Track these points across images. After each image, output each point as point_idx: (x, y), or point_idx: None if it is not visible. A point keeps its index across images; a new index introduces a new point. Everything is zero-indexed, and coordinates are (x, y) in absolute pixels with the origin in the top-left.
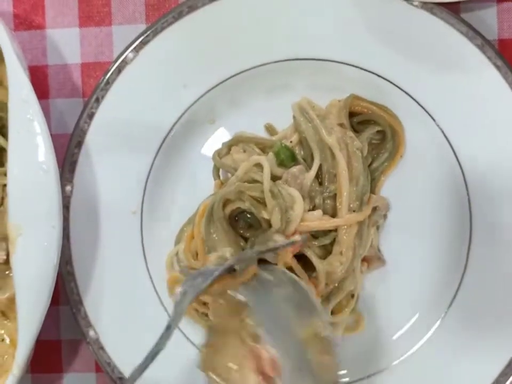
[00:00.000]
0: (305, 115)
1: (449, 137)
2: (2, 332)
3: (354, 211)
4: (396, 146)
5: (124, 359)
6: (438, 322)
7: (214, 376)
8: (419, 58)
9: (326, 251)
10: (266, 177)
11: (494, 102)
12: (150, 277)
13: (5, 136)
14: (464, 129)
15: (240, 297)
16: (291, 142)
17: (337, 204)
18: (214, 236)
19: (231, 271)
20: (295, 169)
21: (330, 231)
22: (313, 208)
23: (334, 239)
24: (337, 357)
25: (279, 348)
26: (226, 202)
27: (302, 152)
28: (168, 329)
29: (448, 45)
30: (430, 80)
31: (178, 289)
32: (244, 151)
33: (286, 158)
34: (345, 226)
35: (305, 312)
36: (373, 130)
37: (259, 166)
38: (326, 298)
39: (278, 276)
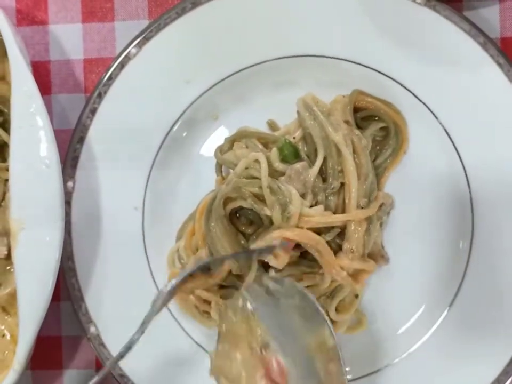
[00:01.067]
0: (310, 111)
1: (451, 135)
2: (3, 327)
3: (362, 208)
4: (400, 142)
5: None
6: (441, 319)
7: (224, 382)
8: (421, 56)
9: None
10: (264, 173)
11: (496, 100)
12: (151, 273)
13: (7, 131)
14: (466, 127)
15: (249, 305)
16: (294, 138)
17: (346, 200)
18: (214, 232)
19: (205, 270)
20: (298, 165)
21: (333, 227)
22: (316, 204)
23: (339, 236)
24: (344, 365)
25: (287, 356)
26: (227, 200)
27: (305, 148)
28: (143, 325)
29: (450, 42)
30: (432, 78)
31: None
32: (247, 147)
33: (289, 154)
34: (353, 223)
35: (312, 322)
36: (376, 127)
37: (258, 162)
38: (330, 295)
39: (286, 286)
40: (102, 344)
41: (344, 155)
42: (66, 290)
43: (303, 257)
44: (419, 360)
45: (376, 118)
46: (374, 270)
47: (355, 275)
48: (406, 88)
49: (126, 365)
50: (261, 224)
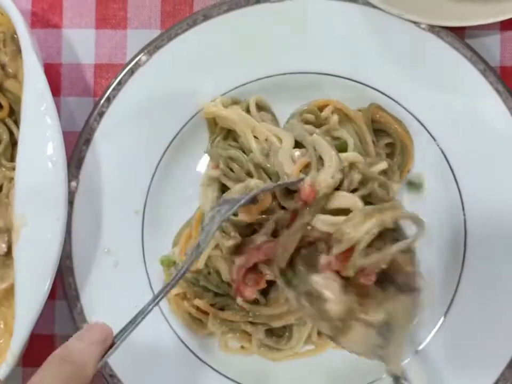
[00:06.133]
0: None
1: (448, 157)
2: None
3: None
4: (405, 161)
5: (116, 356)
6: (438, 325)
7: None
8: (423, 79)
9: None
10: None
11: (494, 126)
12: (148, 278)
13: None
14: (463, 151)
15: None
16: None
17: None
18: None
19: (253, 200)
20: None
21: None
22: None
23: None
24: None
25: None
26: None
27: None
28: (198, 248)
29: (452, 68)
30: (432, 101)
31: (208, 213)
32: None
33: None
34: None
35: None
36: (383, 142)
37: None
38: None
39: None
40: None
41: None
42: (62, 290)
43: None
44: (419, 364)
45: (383, 134)
46: None
47: None
48: (406, 110)
49: (117, 366)
50: None
